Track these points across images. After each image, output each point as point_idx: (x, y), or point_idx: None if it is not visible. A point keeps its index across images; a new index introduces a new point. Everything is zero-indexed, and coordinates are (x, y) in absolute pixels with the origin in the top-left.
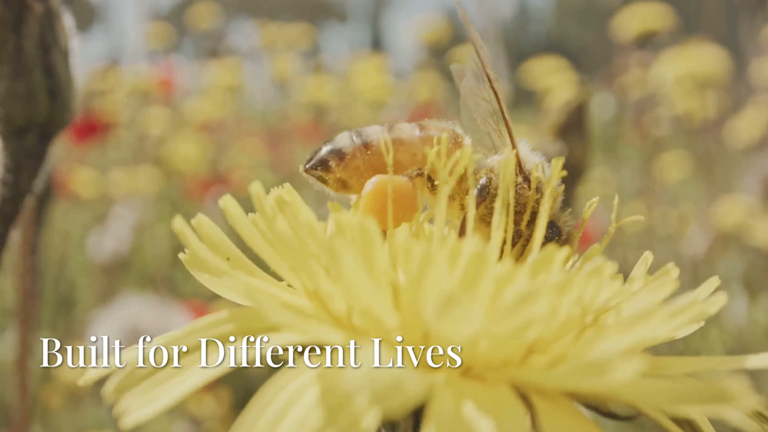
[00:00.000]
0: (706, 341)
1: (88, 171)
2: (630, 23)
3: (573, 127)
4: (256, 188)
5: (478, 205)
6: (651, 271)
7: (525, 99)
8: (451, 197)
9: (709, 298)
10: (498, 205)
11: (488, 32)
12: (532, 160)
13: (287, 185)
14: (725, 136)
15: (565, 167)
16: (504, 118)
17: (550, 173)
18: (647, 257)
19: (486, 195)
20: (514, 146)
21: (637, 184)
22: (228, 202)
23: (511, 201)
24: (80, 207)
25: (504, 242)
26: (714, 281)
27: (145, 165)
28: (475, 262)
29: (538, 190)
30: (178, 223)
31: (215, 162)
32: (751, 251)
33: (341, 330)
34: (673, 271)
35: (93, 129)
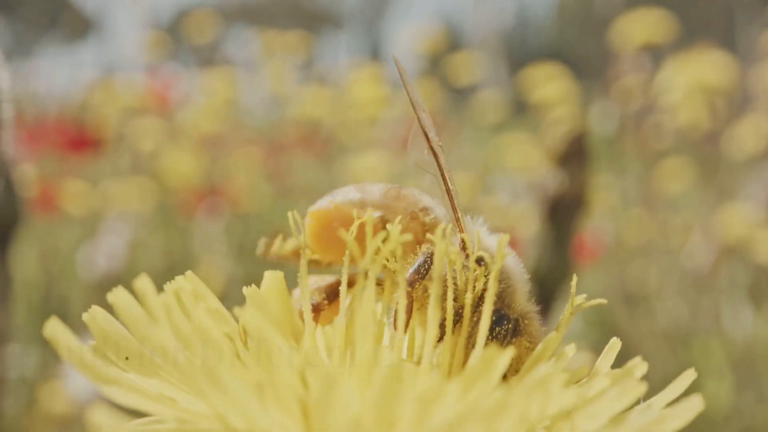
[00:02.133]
0: (710, 357)
1: (80, 184)
2: (631, 31)
3: (574, 157)
4: (143, 284)
5: (412, 287)
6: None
7: (525, 107)
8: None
9: (681, 406)
10: (433, 292)
11: (489, 41)
12: (484, 240)
13: (189, 273)
14: (728, 145)
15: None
16: (448, 192)
17: (495, 254)
18: (614, 345)
19: (422, 276)
20: (458, 221)
21: (640, 193)
22: (120, 297)
23: (450, 287)
24: (73, 222)
25: (442, 336)
26: (689, 375)
27: (140, 178)
28: (393, 378)
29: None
30: (53, 328)
31: (210, 174)
32: (757, 262)
33: None
34: (639, 367)
35: (86, 142)
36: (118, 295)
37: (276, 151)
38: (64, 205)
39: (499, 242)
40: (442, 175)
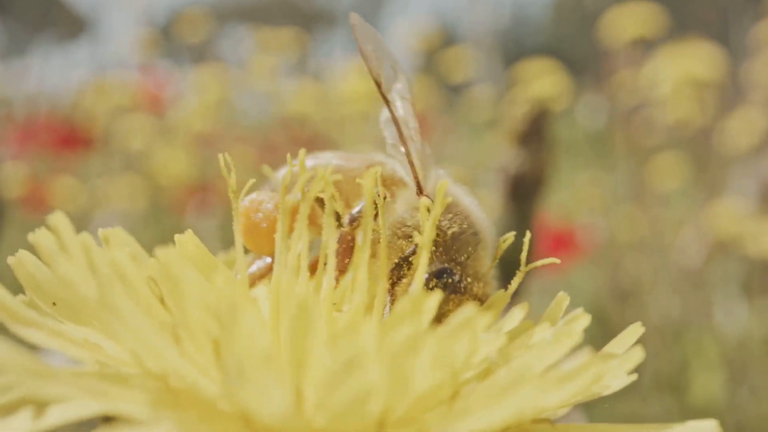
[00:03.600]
0: (703, 352)
1: (71, 182)
2: (621, 25)
3: (533, 136)
4: (58, 220)
5: (350, 227)
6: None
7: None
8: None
9: (624, 354)
10: (364, 235)
11: (484, 38)
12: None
13: (118, 228)
14: (719, 139)
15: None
16: (397, 127)
17: (434, 200)
18: (562, 299)
19: (354, 223)
20: (411, 165)
21: (632, 189)
22: (41, 236)
23: (383, 233)
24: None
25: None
26: (636, 329)
27: (132, 176)
28: (303, 311)
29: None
30: None
31: (203, 172)
32: (749, 257)
33: (159, 399)
34: (582, 318)
35: (78, 140)
36: (39, 235)
37: (269, 149)
38: (54, 203)
39: (439, 187)
40: (393, 118)
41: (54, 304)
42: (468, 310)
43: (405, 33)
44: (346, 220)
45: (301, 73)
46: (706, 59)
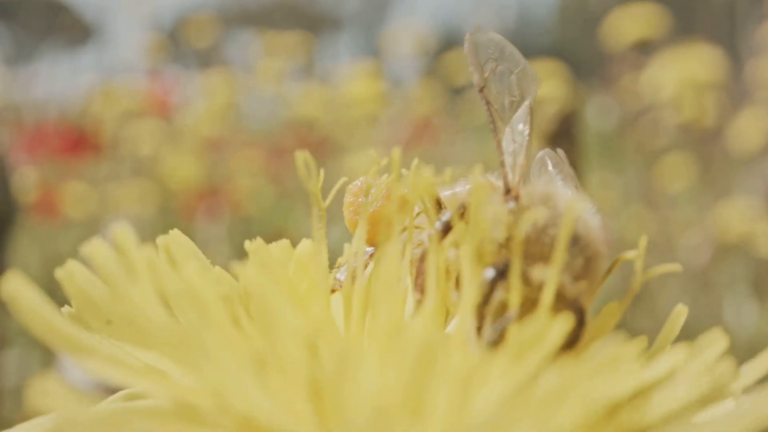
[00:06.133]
0: None
1: (80, 188)
2: (624, 27)
3: (563, 136)
4: (122, 233)
5: (442, 237)
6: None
7: None
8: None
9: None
10: (470, 242)
11: None
12: (557, 194)
13: (176, 230)
14: (726, 140)
15: None
16: (493, 128)
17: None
18: (681, 312)
19: (448, 227)
20: (502, 164)
21: (640, 190)
22: (98, 249)
23: (488, 244)
24: (73, 225)
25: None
26: (719, 338)
27: (141, 181)
28: (424, 352)
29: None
30: (13, 284)
31: (211, 176)
32: (758, 257)
33: None
34: (718, 340)
35: (87, 145)
36: (95, 248)
37: (277, 154)
38: (65, 208)
39: (571, 197)
40: (489, 111)
41: (109, 322)
42: (615, 341)
43: (409, 36)
44: (433, 229)
45: (307, 76)
46: (708, 62)
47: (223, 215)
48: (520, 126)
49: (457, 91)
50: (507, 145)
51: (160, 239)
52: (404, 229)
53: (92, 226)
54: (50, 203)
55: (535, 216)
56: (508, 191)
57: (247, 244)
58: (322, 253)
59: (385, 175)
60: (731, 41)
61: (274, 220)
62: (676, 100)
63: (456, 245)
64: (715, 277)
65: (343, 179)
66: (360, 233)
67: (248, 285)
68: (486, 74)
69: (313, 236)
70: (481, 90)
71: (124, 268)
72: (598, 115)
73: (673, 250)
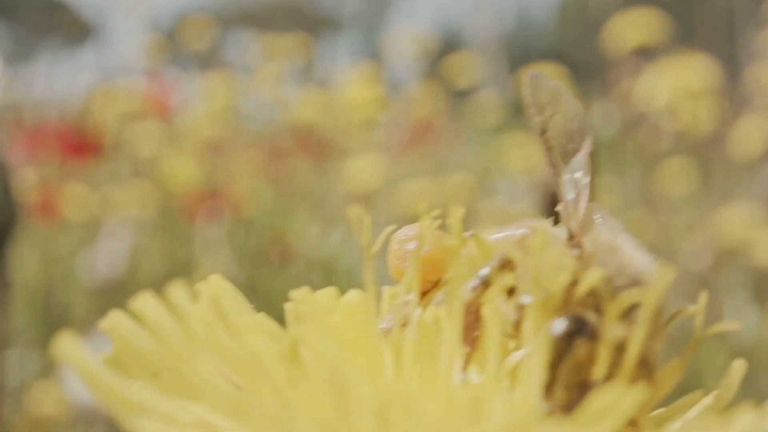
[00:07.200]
0: (714, 357)
1: (80, 189)
2: (625, 32)
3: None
4: (177, 293)
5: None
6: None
7: (525, 109)
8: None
9: None
10: (531, 299)
11: (490, 43)
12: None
13: (217, 276)
14: (726, 146)
15: None
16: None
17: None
18: (739, 368)
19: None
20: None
21: (641, 195)
22: (148, 305)
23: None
24: (73, 227)
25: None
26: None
27: (140, 183)
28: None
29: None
30: (64, 342)
31: (212, 178)
32: (759, 263)
33: None
34: None
35: (86, 147)
36: (146, 303)
37: (277, 156)
38: (64, 210)
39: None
40: (551, 156)
41: (155, 375)
42: (697, 413)
43: (409, 39)
44: (471, 284)
45: (307, 78)
46: (704, 68)
47: (223, 217)
48: (580, 173)
49: (457, 95)
50: (567, 192)
51: (202, 286)
52: (452, 278)
53: (92, 227)
54: (50, 204)
55: (604, 264)
56: (571, 237)
57: (293, 293)
58: (372, 306)
59: (436, 222)
60: (731, 47)
61: (274, 222)
62: (675, 106)
63: (508, 293)
64: (716, 282)
65: (390, 227)
66: (409, 281)
67: (310, 348)
68: (545, 118)
69: (363, 286)
70: (543, 134)
71: (178, 326)
72: (598, 120)
73: (674, 255)
